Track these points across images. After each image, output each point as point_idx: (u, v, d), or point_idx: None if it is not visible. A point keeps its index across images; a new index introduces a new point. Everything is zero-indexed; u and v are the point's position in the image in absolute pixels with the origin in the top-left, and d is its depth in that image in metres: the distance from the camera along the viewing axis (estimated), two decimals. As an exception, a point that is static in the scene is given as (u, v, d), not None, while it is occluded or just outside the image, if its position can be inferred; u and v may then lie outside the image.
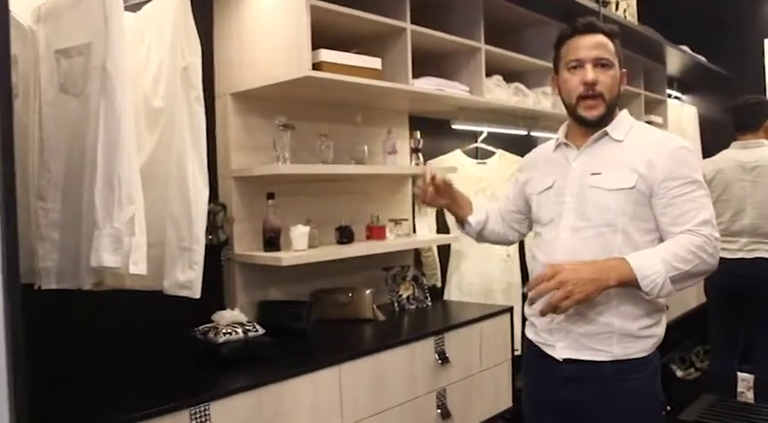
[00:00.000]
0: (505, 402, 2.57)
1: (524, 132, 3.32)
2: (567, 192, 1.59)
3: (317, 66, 2.03)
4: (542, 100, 3.05)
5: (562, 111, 1.72)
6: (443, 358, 2.25)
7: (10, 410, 0.98)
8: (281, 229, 2.20)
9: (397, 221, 2.66)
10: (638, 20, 3.76)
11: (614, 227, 1.51)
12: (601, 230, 1.52)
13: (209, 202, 1.94)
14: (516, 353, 2.74)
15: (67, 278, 1.64)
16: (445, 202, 1.85)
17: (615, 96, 1.58)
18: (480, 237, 1.91)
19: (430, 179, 1.76)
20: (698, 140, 4.66)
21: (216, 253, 2.17)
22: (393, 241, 2.59)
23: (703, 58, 4.36)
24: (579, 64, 1.55)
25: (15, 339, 0.98)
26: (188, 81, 1.71)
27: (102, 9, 1.50)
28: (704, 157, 3.91)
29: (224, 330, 1.87)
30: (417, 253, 2.94)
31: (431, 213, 2.93)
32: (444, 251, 3.05)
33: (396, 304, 2.62)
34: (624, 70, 1.63)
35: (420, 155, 2.71)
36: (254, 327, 1.94)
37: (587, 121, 1.58)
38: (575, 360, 1.56)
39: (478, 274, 3.04)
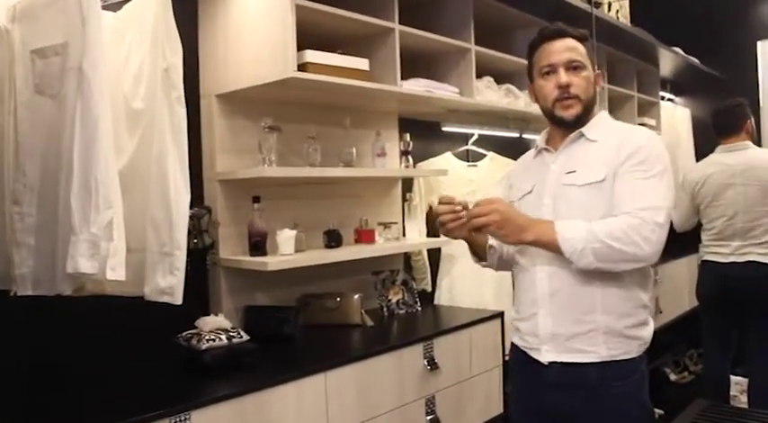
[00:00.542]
0: (496, 408, 2.53)
1: (516, 135, 3.30)
2: (546, 194, 1.59)
3: (302, 67, 2.00)
4: (534, 102, 3.02)
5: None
6: (432, 364, 2.22)
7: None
8: (267, 232, 2.17)
9: (386, 225, 2.63)
10: (631, 21, 3.74)
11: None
12: None
13: (194, 205, 1.91)
14: (507, 358, 2.70)
15: (44, 284, 1.60)
16: (467, 234, 1.61)
17: (591, 97, 1.60)
18: (501, 262, 1.76)
19: (463, 205, 1.56)
20: (691, 143, 4.65)
21: (201, 257, 2.13)
22: (382, 245, 2.56)
23: (696, 60, 4.34)
24: (552, 69, 1.57)
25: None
26: (169, 82, 1.67)
27: (79, 8, 1.46)
28: (697, 159, 3.90)
29: (207, 337, 1.84)
30: (407, 257, 2.91)
31: (420, 217, 2.89)
32: (435, 255, 3.02)
33: (385, 309, 2.59)
34: (598, 71, 1.65)
35: (410, 157, 2.67)
36: (239, 333, 1.91)
37: (565, 121, 1.59)
38: (561, 363, 1.55)
39: (469, 278, 3.00)
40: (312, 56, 2.03)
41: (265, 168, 2.09)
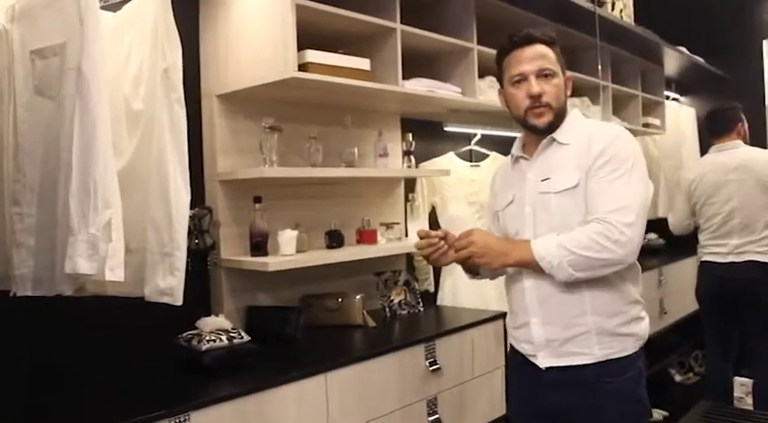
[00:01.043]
0: (499, 410, 2.51)
1: (518, 134, 3.27)
2: (526, 202, 1.61)
3: (303, 67, 2.00)
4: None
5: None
6: (434, 365, 2.21)
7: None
8: (268, 233, 2.16)
9: (388, 225, 2.62)
10: (635, 20, 3.71)
11: (570, 228, 1.50)
12: (560, 234, 1.50)
13: (195, 205, 1.91)
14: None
15: (44, 285, 1.60)
16: (454, 258, 1.63)
17: (562, 103, 1.60)
18: (494, 272, 1.75)
19: (441, 237, 1.61)
20: (696, 142, 4.61)
21: (202, 257, 2.13)
22: (384, 245, 2.55)
23: (701, 60, 4.32)
24: (523, 78, 1.57)
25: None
26: (169, 82, 1.67)
27: (77, 8, 1.45)
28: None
29: (207, 337, 1.83)
30: (410, 257, 2.89)
31: (423, 217, 2.88)
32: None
33: (387, 310, 2.58)
34: (569, 75, 1.64)
35: (412, 157, 2.66)
36: (239, 333, 1.90)
37: (538, 129, 1.60)
38: (558, 367, 1.56)
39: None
40: (313, 56, 2.03)
41: (266, 169, 2.08)
